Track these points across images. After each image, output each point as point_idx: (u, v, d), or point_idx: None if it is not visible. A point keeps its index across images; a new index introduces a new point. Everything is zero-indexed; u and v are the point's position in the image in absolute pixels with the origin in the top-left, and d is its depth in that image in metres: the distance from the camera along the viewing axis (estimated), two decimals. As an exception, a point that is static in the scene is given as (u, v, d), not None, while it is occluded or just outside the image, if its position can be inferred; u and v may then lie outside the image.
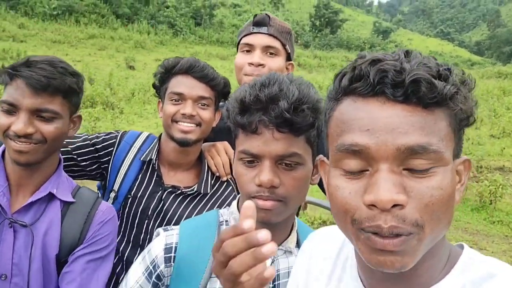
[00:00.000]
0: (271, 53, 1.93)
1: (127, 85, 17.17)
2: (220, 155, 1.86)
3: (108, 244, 1.50)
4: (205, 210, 1.77)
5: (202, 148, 1.88)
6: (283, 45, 1.96)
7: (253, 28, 1.95)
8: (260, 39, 1.93)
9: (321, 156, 1.03)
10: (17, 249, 1.38)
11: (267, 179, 1.03)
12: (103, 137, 1.82)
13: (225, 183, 1.86)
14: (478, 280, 0.73)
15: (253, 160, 1.08)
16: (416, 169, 0.66)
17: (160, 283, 1.18)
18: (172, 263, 1.17)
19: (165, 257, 1.17)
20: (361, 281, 0.84)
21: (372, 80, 0.68)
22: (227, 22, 48.04)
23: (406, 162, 0.67)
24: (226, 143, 1.89)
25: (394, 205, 0.65)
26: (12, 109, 1.34)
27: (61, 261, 1.43)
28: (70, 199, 1.48)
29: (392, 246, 0.66)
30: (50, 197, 1.45)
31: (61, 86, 1.37)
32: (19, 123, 1.32)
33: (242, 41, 1.98)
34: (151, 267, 1.18)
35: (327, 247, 0.97)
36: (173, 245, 1.19)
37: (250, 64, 1.89)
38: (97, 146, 1.80)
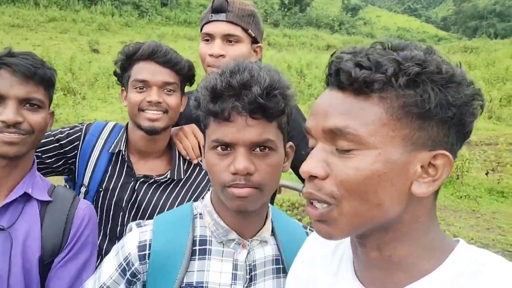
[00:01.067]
0: (231, 41, 1.85)
1: (90, 69, 16.50)
2: (188, 138, 1.83)
3: (90, 242, 1.48)
4: (180, 196, 1.77)
5: (172, 135, 1.84)
6: (245, 30, 1.87)
7: (211, 15, 1.86)
8: (218, 28, 1.84)
9: (290, 143, 1.14)
10: None
11: (243, 166, 1.03)
12: (68, 131, 1.76)
13: (198, 167, 1.83)
14: (472, 272, 0.75)
15: (226, 148, 1.07)
16: (340, 149, 0.75)
17: (135, 279, 1.18)
18: (147, 260, 1.16)
19: (139, 255, 1.16)
20: (355, 273, 0.89)
21: (327, 70, 0.80)
22: (194, 1, 46.94)
23: (335, 142, 0.75)
24: (193, 125, 1.84)
25: (315, 177, 0.76)
26: None
27: (45, 263, 1.39)
28: (47, 198, 1.44)
29: (312, 215, 0.79)
30: (27, 198, 1.41)
31: (45, 76, 1.39)
32: (8, 112, 1.31)
33: (202, 30, 1.91)
34: (124, 264, 1.18)
35: (325, 246, 1.03)
36: (147, 242, 1.18)
37: (211, 55, 1.83)
38: (61, 142, 1.74)
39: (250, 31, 1.88)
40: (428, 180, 0.74)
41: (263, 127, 1.05)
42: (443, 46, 35.62)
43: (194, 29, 34.15)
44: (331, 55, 0.79)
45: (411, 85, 0.71)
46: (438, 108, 0.71)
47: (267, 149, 1.07)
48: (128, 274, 1.17)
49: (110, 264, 1.21)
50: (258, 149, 1.06)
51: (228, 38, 1.84)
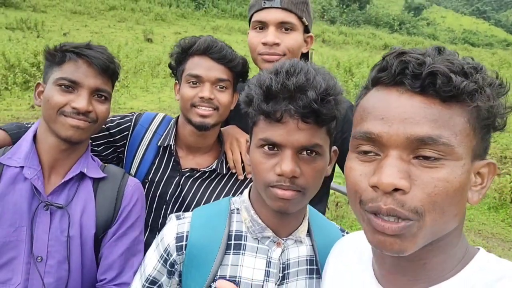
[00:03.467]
0: (286, 29, 1.77)
1: (137, 58, 16.62)
2: (242, 152, 1.82)
3: (140, 220, 1.55)
4: (225, 191, 1.79)
5: (224, 136, 1.85)
6: (299, 18, 1.79)
7: (264, 2, 1.78)
8: (272, 15, 1.76)
9: (335, 147, 1.16)
10: (53, 231, 1.41)
11: (289, 169, 1.03)
12: (118, 121, 1.80)
13: (243, 164, 1.83)
14: (490, 281, 0.75)
15: (274, 148, 1.07)
16: (425, 159, 0.71)
17: (173, 269, 1.21)
18: (184, 251, 1.19)
19: (176, 246, 1.20)
20: (374, 272, 0.91)
21: (393, 70, 0.74)
22: (251, -5, 46.79)
23: (416, 151, 0.71)
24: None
25: (397, 190, 0.70)
26: (72, 86, 1.41)
27: (99, 239, 1.48)
28: (102, 175, 1.53)
29: (390, 230, 0.72)
30: (81, 176, 1.50)
31: (115, 70, 1.50)
32: (81, 101, 1.39)
33: (253, 18, 1.84)
34: (165, 255, 1.22)
35: (352, 244, 1.06)
36: (184, 234, 1.21)
37: (264, 43, 1.76)
38: (111, 131, 1.77)
39: (304, 19, 1.79)
40: (478, 188, 0.76)
41: (313, 132, 1.05)
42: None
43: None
44: (388, 55, 0.75)
45: (491, 96, 0.72)
46: (499, 119, 0.74)
47: (314, 153, 1.07)
48: (168, 264, 1.21)
49: (152, 256, 1.25)
50: (305, 152, 1.07)
51: (283, 26, 1.76)
